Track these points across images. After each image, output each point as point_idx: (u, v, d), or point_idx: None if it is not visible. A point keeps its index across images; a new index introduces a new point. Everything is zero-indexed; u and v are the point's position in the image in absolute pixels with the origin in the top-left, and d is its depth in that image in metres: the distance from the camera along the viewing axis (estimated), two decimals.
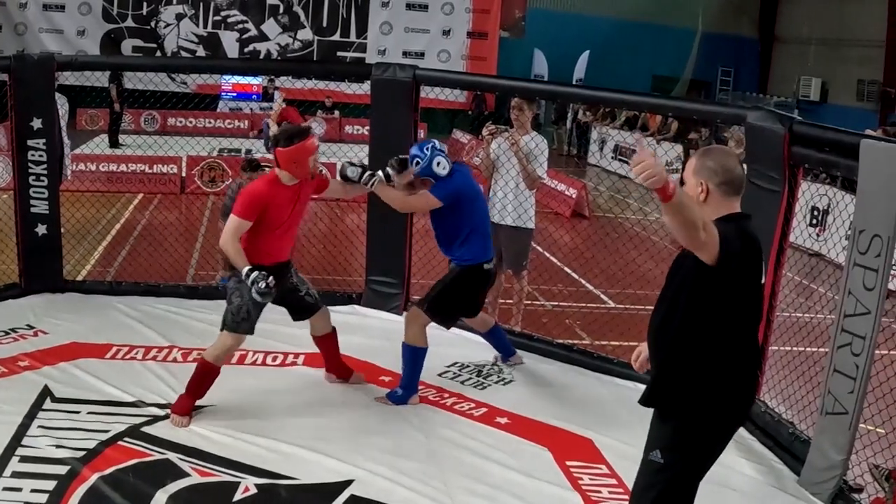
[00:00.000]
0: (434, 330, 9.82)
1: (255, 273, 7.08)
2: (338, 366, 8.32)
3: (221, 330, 7.43)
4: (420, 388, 8.16)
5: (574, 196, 19.48)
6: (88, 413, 7.17)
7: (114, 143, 24.11)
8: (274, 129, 24.01)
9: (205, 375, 7.37)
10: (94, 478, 6.13)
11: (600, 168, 28.11)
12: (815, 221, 16.62)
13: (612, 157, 28.25)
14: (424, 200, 7.92)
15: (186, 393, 7.36)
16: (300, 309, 8.03)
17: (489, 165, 9.84)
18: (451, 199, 7.84)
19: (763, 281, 4.72)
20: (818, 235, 16.11)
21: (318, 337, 8.21)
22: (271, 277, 7.13)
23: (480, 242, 7.99)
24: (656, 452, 4.72)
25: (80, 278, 11.19)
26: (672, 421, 4.76)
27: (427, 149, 7.88)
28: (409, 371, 7.94)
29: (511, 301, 10.21)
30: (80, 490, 5.98)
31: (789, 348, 7.92)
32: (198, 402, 7.39)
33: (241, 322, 7.38)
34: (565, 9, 36.38)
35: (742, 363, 4.67)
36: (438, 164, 7.82)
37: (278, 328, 9.46)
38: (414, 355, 7.91)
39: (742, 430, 7.77)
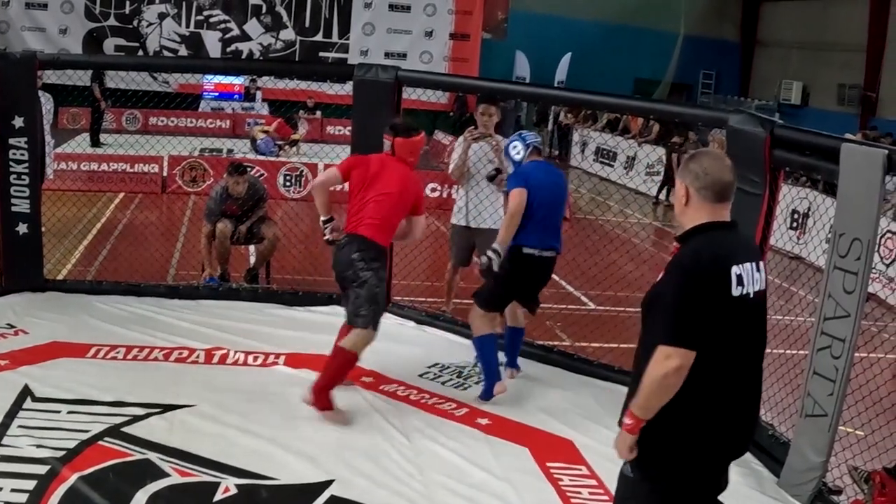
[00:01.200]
0: (412, 331, 9.88)
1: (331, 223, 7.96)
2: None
3: (362, 327, 7.61)
4: (400, 388, 8.19)
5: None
6: (69, 413, 7.15)
7: (95, 143, 24.02)
8: (261, 137, 24.09)
9: (340, 364, 7.63)
10: (74, 477, 6.11)
11: (581, 170, 28.13)
12: (795, 225, 16.68)
13: (594, 160, 28.29)
14: (513, 202, 8.04)
15: (322, 387, 7.52)
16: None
17: (462, 169, 9.95)
18: (520, 185, 8.04)
19: (745, 294, 4.27)
20: (798, 238, 16.17)
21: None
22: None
23: (531, 230, 8.07)
24: (627, 466, 4.50)
25: (60, 277, 11.16)
26: (650, 471, 4.41)
27: (517, 134, 8.39)
28: (483, 362, 8.19)
29: None
30: (60, 490, 5.96)
31: (769, 351, 7.91)
32: (177, 402, 7.42)
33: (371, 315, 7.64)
34: (547, 11, 36.34)
35: (725, 405, 4.33)
36: (514, 147, 8.21)
37: (260, 328, 9.51)
38: (480, 345, 8.14)
39: None
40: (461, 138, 10.26)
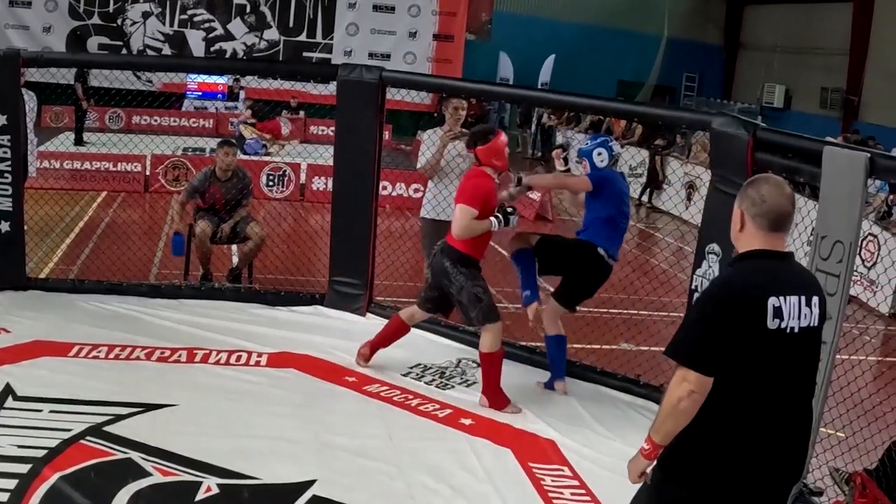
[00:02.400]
0: None
1: (506, 214, 8.00)
2: (376, 345, 8.74)
3: (483, 325, 8.01)
4: (383, 388, 8.20)
5: (538, 199, 19.52)
6: (51, 412, 7.12)
7: (78, 141, 23.96)
8: (248, 134, 24.09)
9: (492, 365, 8.00)
10: (55, 477, 6.08)
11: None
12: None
13: (577, 161, 28.21)
14: (578, 180, 8.47)
15: (491, 389, 8.02)
16: (442, 304, 8.48)
17: (436, 166, 10.05)
18: (598, 183, 8.26)
19: (783, 328, 4.08)
20: None
21: (401, 322, 8.63)
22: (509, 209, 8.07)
23: (608, 234, 8.26)
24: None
25: (43, 276, 11.13)
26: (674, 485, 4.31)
27: (599, 139, 8.55)
28: (557, 360, 8.47)
29: None
30: (42, 489, 5.93)
31: None
32: (159, 402, 7.42)
33: (484, 314, 7.98)
34: (531, 13, 36.41)
35: (758, 438, 4.15)
36: (599, 154, 8.34)
37: (243, 328, 9.49)
38: (558, 343, 8.41)
39: None
40: (428, 135, 10.35)
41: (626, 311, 9.08)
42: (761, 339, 4.05)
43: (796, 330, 4.12)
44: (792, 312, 4.10)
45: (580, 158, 8.64)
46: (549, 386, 8.52)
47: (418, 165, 10.37)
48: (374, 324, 9.95)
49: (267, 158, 21.61)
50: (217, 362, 8.60)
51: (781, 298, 4.08)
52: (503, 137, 8.09)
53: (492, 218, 7.91)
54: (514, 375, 8.76)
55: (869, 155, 6.29)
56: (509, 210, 8.06)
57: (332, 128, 10.47)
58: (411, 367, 8.83)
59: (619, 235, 8.33)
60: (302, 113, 29.92)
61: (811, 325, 4.19)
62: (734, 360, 4.04)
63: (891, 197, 15.53)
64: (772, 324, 4.05)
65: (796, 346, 4.16)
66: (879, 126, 28.77)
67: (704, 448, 4.15)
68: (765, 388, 4.12)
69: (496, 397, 7.98)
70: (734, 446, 4.13)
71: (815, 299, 4.22)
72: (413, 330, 9.82)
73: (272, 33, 33.13)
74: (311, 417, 7.49)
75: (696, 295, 4.07)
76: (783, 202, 4.20)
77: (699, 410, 4.08)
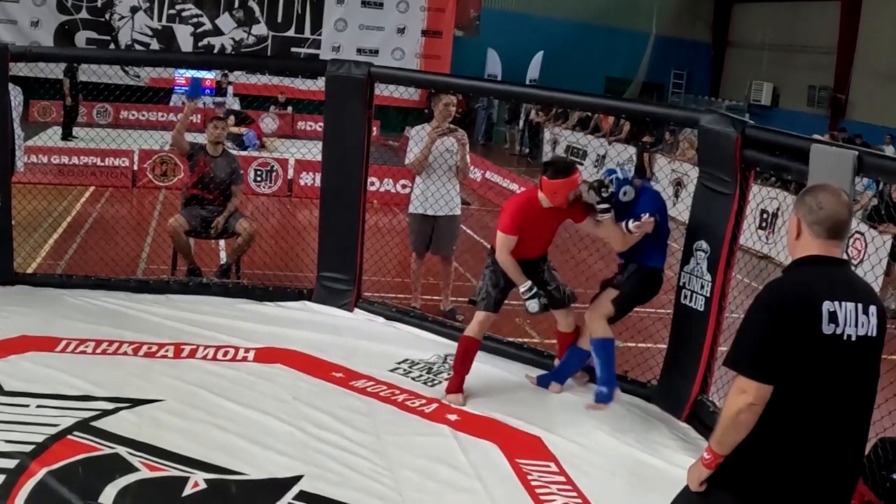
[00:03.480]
0: (382, 327, 9.89)
1: (531, 292, 8.04)
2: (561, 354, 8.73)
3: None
4: (370, 384, 8.21)
5: None
6: (38, 407, 7.11)
7: (66, 136, 23.89)
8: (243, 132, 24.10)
9: (467, 351, 8.19)
10: (42, 472, 6.07)
11: None
12: (763, 224, 16.76)
13: (635, 222, 28.16)
14: (645, 223, 7.93)
15: (454, 371, 8.19)
16: (553, 301, 8.40)
17: (424, 162, 10.23)
18: (658, 210, 8.02)
19: (839, 334, 4.01)
20: (767, 238, 16.26)
21: (562, 333, 8.56)
22: (544, 298, 8.14)
23: (663, 254, 8.11)
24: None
25: (30, 271, 11.09)
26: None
27: (620, 176, 8.07)
28: (606, 366, 8.06)
29: (440, 282, 10.91)
30: (29, 485, 5.92)
31: None
32: (147, 397, 7.42)
33: (481, 301, 8.20)
34: (520, 9, 36.42)
35: (810, 447, 4.08)
36: (625, 194, 7.98)
37: (230, 323, 9.49)
38: (607, 348, 8.04)
39: (691, 431, 7.85)
40: (416, 130, 10.46)
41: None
42: (817, 345, 3.99)
43: (853, 338, 4.04)
44: (848, 319, 4.04)
45: (635, 219, 7.96)
46: (605, 399, 8.20)
47: (407, 161, 10.43)
48: (360, 320, 9.99)
49: (255, 154, 21.59)
50: (204, 357, 8.59)
51: (836, 303, 4.02)
52: (575, 178, 7.86)
53: (526, 291, 8.07)
54: (500, 371, 8.78)
55: (857, 153, 6.32)
56: (542, 294, 8.12)
57: (320, 123, 10.45)
58: (398, 363, 8.84)
59: (664, 247, 8.16)
60: (290, 108, 29.88)
61: (869, 334, 4.10)
62: (791, 368, 3.99)
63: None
64: (827, 328, 4.00)
65: (854, 355, 4.07)
66: (866, 124, 28.85)
67: (755, 455, 4.10)
68: (820, 397, 4.05)
69: (454, 382, 8.16)
70: (786, 455, 4.08)
71: (873, 308, 4.14)
72: (400, 325, 9.87)
73: (260, 28, 33.09)
74: (298, 413, 7.49)
75: (745, 303, 3.97)
76: (840, 209, 4.18)
77: (761, 421, 4.04)
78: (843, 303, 4.03)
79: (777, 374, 3.98)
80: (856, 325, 4.04)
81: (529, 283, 8.03)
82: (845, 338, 4.02)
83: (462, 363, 8.13)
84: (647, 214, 7.80)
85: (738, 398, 4.01)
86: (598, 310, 8.09)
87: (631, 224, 7.80)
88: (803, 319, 3.98)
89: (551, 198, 7.87)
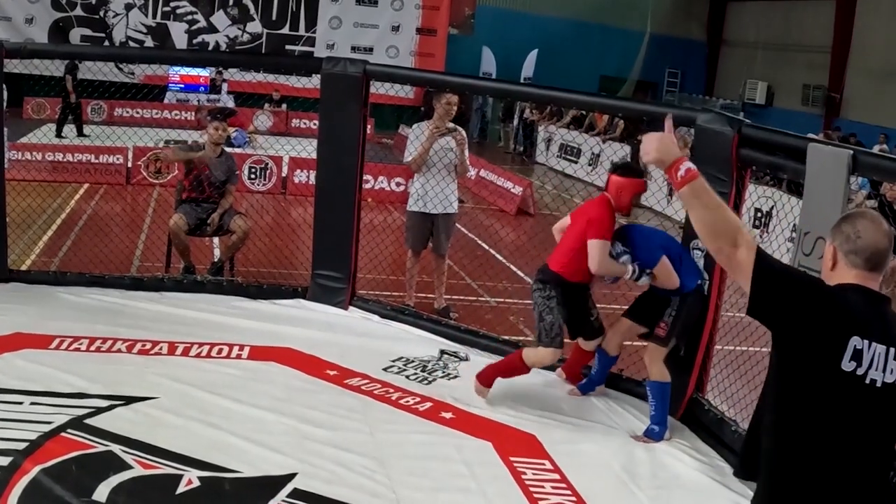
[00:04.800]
0: (376, 325, 9.90)
1: (637, 273, 7.76)
2: (573, 372, 8.70)
3: (539, 343, 7.91)
4: (365, 382, 8.21)
5: (520, 194, 19.56)
6: (31, 404, 7.09)
7: (80, 132, 23.82)
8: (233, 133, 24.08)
9: (515, 369, 8.03)
10: (35, 470, 6.05)
11: (547, 166, 28.23)
12: (757, 223, 16.79)
13: (559, 156, 28.35)
14: (669, 274, 7.78)
15: (495, 368, 8.12)
16: (583, 329, 8.32)
17: (423, 160, 10.29)
18: (663, 248, 7.85)
19: (861, 375, 3.59)
20: (761, 237, 16.28)
21: (581, 351, 8.51)
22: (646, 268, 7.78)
23: (691, 266, 7.89)
24: None
25: (24, 268, 11.07)
26: None
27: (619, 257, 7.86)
28: (660, 407, 7.72)
29: (433, 280, 10.90)
30: (22, 482, 5.90)
31: (732, 348, 8.00)
32: (141, 394, 7.42)
33: (554, 338, 7.84)
34: (514, 7, 36.46)
35: (816, 491, 3.68)
36: (632, 275, 7.82)
37: (224, 321, 9.48)
38: (663, 391, 7.72)
39: (686, 429, 7.85)
40: (416, 128, 10.50)
41: (608, 307, 9.06)
42: (830, 380, 3.60)
43: (878, 384, 3.59)
44: (876, 363, 3.59)
45: (648, 270, 7.82)
46: (651, 435, 7.78)
47: (406, 159, 10.45)
48: (355, 318, 9.98)
49: (249, 151, 21.58)
50: (198, 355, 8.58)
51: (865, 342, 3.59)
52: (642, 182, 7.86)
53: (629, 266, 7.75)
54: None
55: (852, 152, 6.34)
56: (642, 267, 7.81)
57: (315, 121, 10.44)
58: (393, 361, 8.83)
59: (690, 258, 7.98)
60: (284, 106, 29.89)
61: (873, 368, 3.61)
62: (804, 395, 3.63)
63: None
64: (846, 365, 3.57)
65: (876, 403, 3.63)
66: (861, 123, 28.89)
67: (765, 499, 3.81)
68: (834, 443, 3.63)
69: (487, 377, 8.05)
70: (794, 499, 3.71)
71: None
72: (394, 324, 9.87)
73: (255, 26, 33.08)
74: (292, 411, 7.48)
75: None
76: (880, 238, 3.78)
77: (772, 452, 3.74)
78: (874, 343, 3.60)
79: (764, 298, 3.66)
80: (883, 371, 3.60)
81: (629, 266, 7.76)
82: (868, 381, 3.59)
83: (507, 373, 8.09)
84: (648, 271, 7.77)
85: (725, 241, 3.72)
86: (656, 353, 7.79)
87: (641, 282, 7.82)
88: (825, 342, 3.61)
89: (617, 198, 7.75)
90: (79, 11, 31.54)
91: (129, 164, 18.92)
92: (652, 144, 3.89)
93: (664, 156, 3.87)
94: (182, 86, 31.38)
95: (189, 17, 32.58)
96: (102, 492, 5.88)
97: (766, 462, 3.78)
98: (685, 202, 3.86)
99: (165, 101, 30.89)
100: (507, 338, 9.57)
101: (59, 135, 23.58)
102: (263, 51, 32.77)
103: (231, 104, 28.36)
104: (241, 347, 8.80)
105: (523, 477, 6.72)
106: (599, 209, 7.76)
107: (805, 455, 3.66)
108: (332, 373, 8.39)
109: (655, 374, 7.73)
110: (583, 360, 8.54)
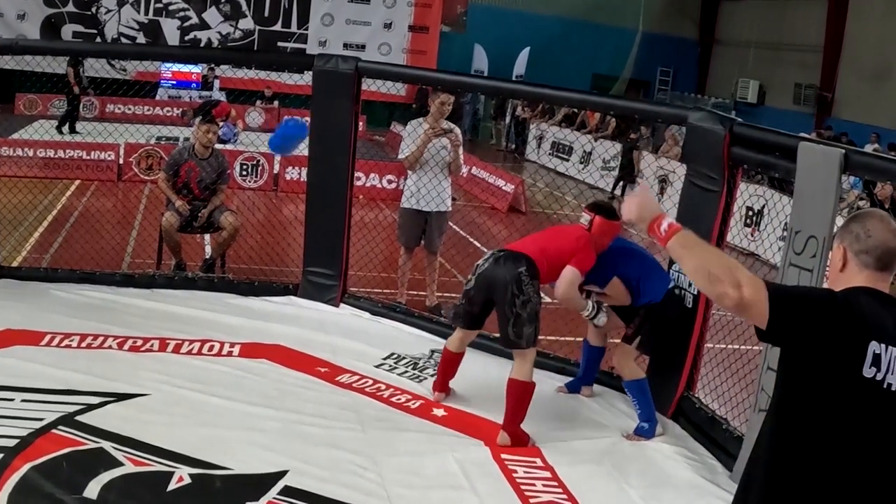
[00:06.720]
0: (368, 322, 9.89)
1: (594, 309, 7.75)
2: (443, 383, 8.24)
3: (526, 348, 7.50)
4: (356, 379, 8.20)
5: (511, 191, 19.58)
6: (22, 401, 7.07)
7: (72, 129, 23.73)
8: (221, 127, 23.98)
9: (525, 398, 7.41)
10: (26, 467, 6.04)
11: (538, 164, 28.23)
12: (749, 222, 16.80)
13: (550, 154, 28.37)
14: (619, 293, 7.83)
15: (513, 416, 7.37)
16: (478, 320, 8.11)
17: (418, 159, 10.33)
18: (618, 268, 7.85)
19: (880, 381, 3.49)
20: (752, 235, 16.30)
21: (452, 354, 8.23)
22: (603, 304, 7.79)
23: (655, 272, 7.88)
24: None
25: (15, 265, 11.06)
26: None
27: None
28: (644, 403, 7.71)
29: (425, 278, 10.92)
30: (12, 480, 5.89)
31: (724, 346, 8.01)
32: (132, 391, 7.41)
33: (536, 340, 7.56)
34: (506, 5, 36.45)
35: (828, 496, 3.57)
36: (585, 299, 7.83)
37: (216, 318, 9.47)
38: (641, 387, 7.71)
39: (676, 427, 7.86)
40: (411, 125, 10.58)
41: None
42: (853, 388, 3.49)
43: (894, 388, 3.51)
44: (892, 366, 3.50)
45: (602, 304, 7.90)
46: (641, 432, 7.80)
47: (400, 156, 10.45)
48: (346, 315, 9.97)
49: (241, 148, 21.55)
50: (189, 352, 8.57)
51: (883, 346, 3.50)
52: (620, 225, 7.71)
53: (590, 301, 7.75)
54: (486, 368, 8.75)
55: (844, 151, 6.34)
56: (599, 302, 7.82)
57: (307, 118, 10.43)
58: (384, 358, 8.84)
59: (655, 263, 7.95)
60: (276, 103, 29.88)
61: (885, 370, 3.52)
62: (817, 405, 3.54)
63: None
64: (868, 371, 3.48)
65: (893, 408, 3.54)
66: (852, 122, 28.96)
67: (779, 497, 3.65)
68: (851, 450, 3.53)
69: (518, 433, 7.35)
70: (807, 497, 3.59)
71: None
72: (386, 321, 9.86)
73: (247, 23, 33.07)
74: (283, 408, 7.48)
75: None
76: (890, 237, 3.72)
77: (773, 463, 3.65)
78: (890, 347, 3.52)
79: (784, 325, 3.51)
80: None
81: (590, 302, 7.77)
82: (885, 385, 3.50)
83: (523, 408, 7.43)
84: (597, 288, 7.83)
85: (727, 285, 3.49)
86: (624, 353, 7.81)
87: (596, 322, 7.86)
88: (845, 348, 3.50)
89: (599, 238, 7.65)
90: (71, 7, 31.50)
91: (121, 161, 18.89)
92: (633, 205, 3.95)
93: (645, 213, 3.91)
94: (174, 82, 31.37)
95: (181, 14, 32.57)
96: (93, 489, 5.87)
97: (764, 470, 3.68)
98: (675, 256, 3.83)
99: (157, 97, 30.86)
100: (497, 335, 9.55)
101: (60, 130, 23.45)
102: (255, 47, 32.76)
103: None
104: (233, 345, 8.79)
105: (514, 475, 6.72)
106: (587, 241, 7.62)
107: (813, 463, 3.56)
108: (323, 370, 8.38)
109: (627, 374, 7.76)
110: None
